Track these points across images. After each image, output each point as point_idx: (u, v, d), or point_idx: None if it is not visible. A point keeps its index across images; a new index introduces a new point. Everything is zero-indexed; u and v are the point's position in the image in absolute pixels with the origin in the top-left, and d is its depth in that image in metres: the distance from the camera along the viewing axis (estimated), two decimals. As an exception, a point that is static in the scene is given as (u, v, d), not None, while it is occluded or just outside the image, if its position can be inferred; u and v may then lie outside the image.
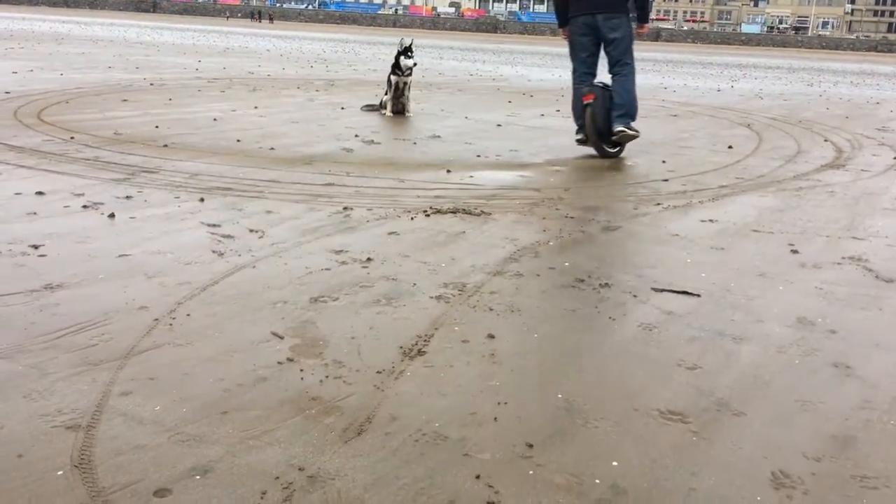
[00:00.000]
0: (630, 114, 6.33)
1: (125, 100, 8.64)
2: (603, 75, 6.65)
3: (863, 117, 10.90)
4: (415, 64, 8.58)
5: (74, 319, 2.70)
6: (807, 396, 2.40)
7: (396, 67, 8.47)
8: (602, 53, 6.57)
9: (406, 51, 8.46)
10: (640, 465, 1.99)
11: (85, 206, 4.15)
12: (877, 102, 13.82)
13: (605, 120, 6.32)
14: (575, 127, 6.77)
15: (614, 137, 6.35)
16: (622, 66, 6.43)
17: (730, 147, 7.37)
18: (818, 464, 2.03)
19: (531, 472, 1.95)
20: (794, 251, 3.95)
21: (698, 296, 3.24)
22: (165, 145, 6.00)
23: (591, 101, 6.30)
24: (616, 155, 6.50)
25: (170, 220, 4.00)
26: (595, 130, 6.34)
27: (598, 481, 1.92)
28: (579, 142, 6.63)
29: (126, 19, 51.67)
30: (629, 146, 6.60)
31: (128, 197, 4.39)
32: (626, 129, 6.26)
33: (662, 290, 3.29)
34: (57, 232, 3.68)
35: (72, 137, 6.09)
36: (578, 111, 6.56)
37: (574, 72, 6.71)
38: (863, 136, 8.66)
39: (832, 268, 3.71)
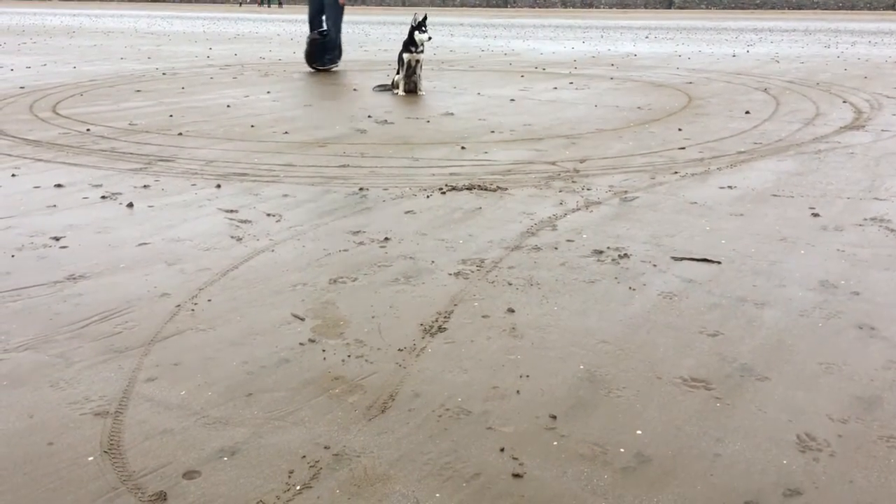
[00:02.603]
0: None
1: (138, 90, 8.67)
2: None
3: (882, 77, 10.72)
4: (430, 38, 8.54)
5: (98, 308, 2.73)
6: (831, 359, 2.38)
7: (409, 45, 8.43)
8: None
9: (420, 25, 8.41)
10: (664, 433, 1.99)
11: (103, 197, 4.18)
12: (896, 61, 13.57)
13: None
14: None
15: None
16: None
17: (747, 112, 7.28)
18: (844, 426, 2.02)
19: (555, 443, 1.95)
20: (815, 214, 3.91)
21: (719, 263, 3.22)
22: (180, 133, 6.03)
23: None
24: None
25: (187, 207, 4.02)
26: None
27: (622, 450, 1.92)
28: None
29: (136, 9, 51.72)
30: (647, 115, 6.52)
31: (145, 186, 4.42)
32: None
33: (682, 259, 3.27)
34: (77, 223, 3.71)
35: (88, 129, 6.13)
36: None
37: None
38: (882, 96, 8.53)
39: (854, 230, 3.67)
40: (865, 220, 3.82)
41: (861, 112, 7.38)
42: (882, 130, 6.36)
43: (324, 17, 10.77)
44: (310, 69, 10.73)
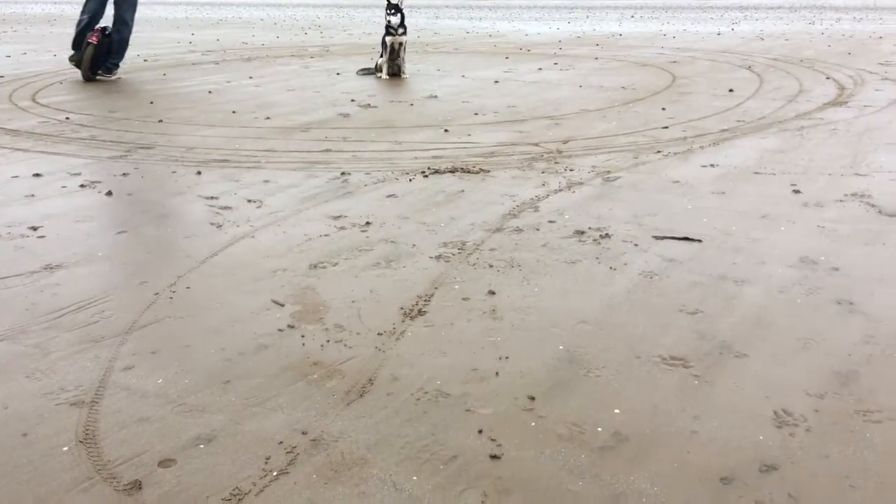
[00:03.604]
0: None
1: (119, 77, 8.58)
2: None
3: (865, 53, 10.73)
4: (401, 20, 8.44)
5: (75, 298, 2.71)
6: (809, 335, 2.39)
7: (391, 27, 8.37)
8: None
9: (391, 7, 8.35)
10: (642, 412, 2.00)
11: (82, 186, 4.14)
12: (880, 37, 13.58)
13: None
14: None
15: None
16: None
17: (730, 90, 7.27)
18: (821, 401, 2.03)
19: (533, 423, 1.95)
20: (797, 191, 3.91)
21: (700, 241, 3.22)
22: (160, 120, 5.97)
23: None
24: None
25: (167, 194, 3.99)
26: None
27: (600, 429, 1.92)
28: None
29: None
30: (631, 94, 6.50)
31: (125, 174, 4.38)
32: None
33: (664, 238, 3.27)
34: (55, 212, 3.68)
35: (67, 118, 6.07)
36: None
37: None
38: (865, 72, 8.53)
39: (835, 205, 3.68)
40: (846, 195, 3.83)
41: (844, 88, 7.38)
42: (864, 106, 6.36)
43: (117, 14, 8.31)
44: (85, 79, 8.19)
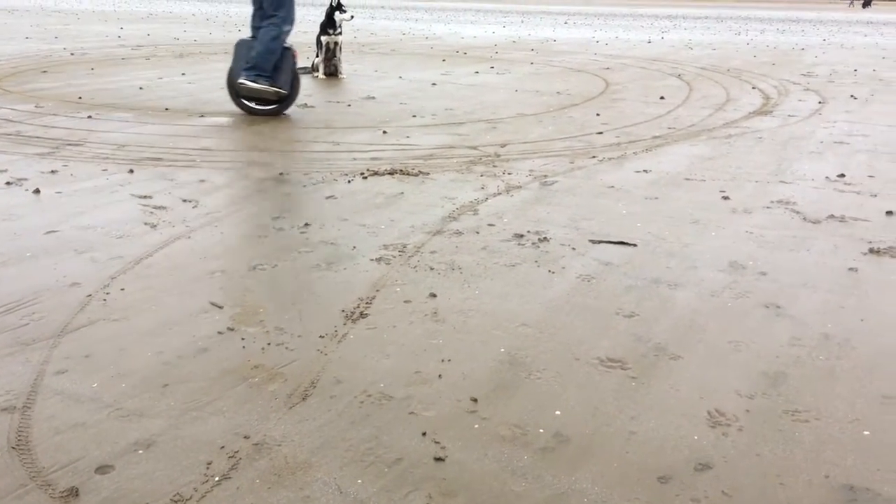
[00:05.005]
0: (258, 67, 5.88)
1: (45, 71, 8.31)
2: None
3: (789, 63, 11.13)
4: (352, 17, 8.45)
5: (3, 300, 2.62)
6: (739, 337, 2.48)
7: (327, 27, 8.31)
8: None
9: (339, 6, 8.30)
10: (582, 413, 2.04)
11: (8, 183, 4.00)
12: (802, 49, 14.12)
13: (237, 72, 6.03)
14: None
15: (237, 89, 6.04)
16: (268, 19, 5.93)
17: (661, 98, 7.46)
18: (751, 401, 2.11)
19: (476, 425, 1.97)
20: (725, 197, 4.04)
21: (634, 245, 3.30)
22: (90, 116, 5.81)
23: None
24: (271, 112, 6.12)
25: (98, 193, 3.88)
26: (229, 84, 6.12)
27: (541, 430, 1.95)
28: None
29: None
30: (566, 100, 6.62)
31: (53, 171, 4.25)
32: (246, 82, 5.88)
33: (600, 242, 3.34)
34: (-21, 211, 3.54)
35: (-10, 112, 5.84)
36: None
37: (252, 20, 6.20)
38: (789, 83, 8.86)
39: (762, 212, 3.81)
40: (772, 202, 3.97)
41: (769, 98, 7.65)
42: (788, 115, 6.61)
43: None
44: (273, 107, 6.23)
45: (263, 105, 6.08)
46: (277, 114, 6.09)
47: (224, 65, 9.52)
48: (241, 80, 5.88)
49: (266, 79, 5.91)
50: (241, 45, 6.05)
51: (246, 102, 6.09)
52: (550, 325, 2.55)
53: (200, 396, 2.07)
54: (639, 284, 2.89)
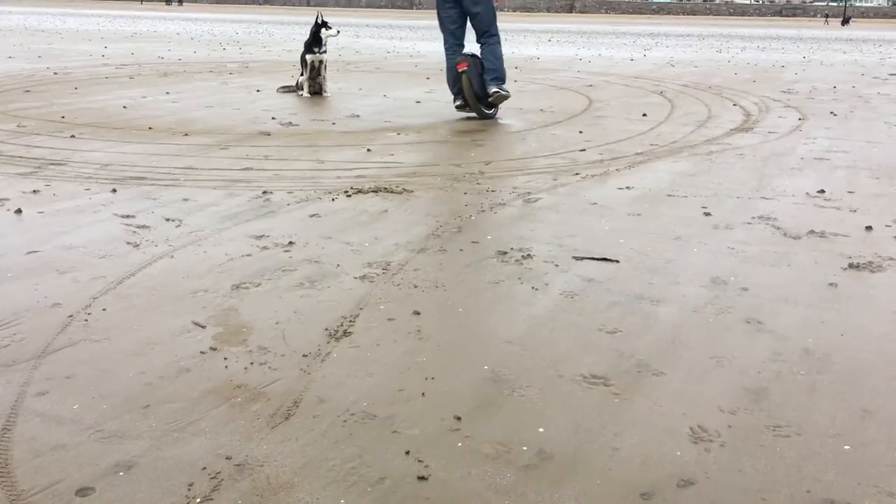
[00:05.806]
0: (501, 77, 6.92)
1: (28, 90, 8.29)
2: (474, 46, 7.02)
3: (769, 81, 11.26)
4: (338, 32, 8.56)
5: (-17, 321, 2.60)
6: (721, 353, 2.49)
7: (312, 45, 8.34)
8: (469, 26, 7.10)
9: (324, 23, 8.35)
10: (565, 430, 2.04)
11: (-11, 203, 3.97)
12: (782, 66, 14.29)
13: (479, 85, 6.91)
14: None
15: (490, 99, 6.94)
16: (488, 36, 6.96)
17: (644, 115, 7.52)
18: (734, 416, 2.12)
19: (460, 444, 1.97)
20: (707, 213, 4.07)
21: (617, 262, 3.32)
22: (73, 136, 5.79)
23: (465, 68, 6.76)
24: (492, 116, 7.17)
25: (81, 213, 3.87)
26: (473, 94, 6.91)
27: (525, 448, 1.96)
28: (459, 107, 7.12)
29: (27, 6, 49.41)
30: (549, 117, 6.67)
31: (35, 191, 4.23)
32: (500, 90, 6.85)
33: (583, 258, 3.35)
34: (-40, 231, 3.52)
35: (-29, 132, 5.82)
36: (453, 79, 7.06)
37: (445, 43, 7.13)
38: (769, 99, 8.96)
39: (743, 227, 3.85)
40: (753, 218, 4.01)
41: (750, 115, 7.73)
42: (769, 132, 6.68)
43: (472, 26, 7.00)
44: (480, 115, 7.07)
45: (489, 110, 7.15)
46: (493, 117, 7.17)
47: (209, 83, 9.53)
48: (497, 90, 6.83)
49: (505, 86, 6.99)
50: (451, 69, 6.98)
51: (483, 109, 7.05)
52: (534, 341, 2.55)
53: (182, 417, 2.06)
54: (622, 300, 2.91)
